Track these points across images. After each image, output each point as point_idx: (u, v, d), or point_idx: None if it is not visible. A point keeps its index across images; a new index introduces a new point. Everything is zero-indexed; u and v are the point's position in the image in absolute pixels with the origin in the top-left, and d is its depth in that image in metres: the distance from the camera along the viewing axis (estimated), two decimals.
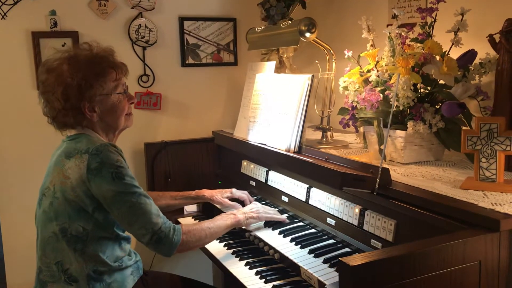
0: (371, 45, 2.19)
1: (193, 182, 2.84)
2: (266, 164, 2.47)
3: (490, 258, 1.34)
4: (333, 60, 2.44)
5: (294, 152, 2.16)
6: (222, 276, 3.09)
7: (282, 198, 2.29)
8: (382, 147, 1.93)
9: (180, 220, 2.62)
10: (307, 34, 2.32)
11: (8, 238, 2.68)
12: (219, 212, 2.31)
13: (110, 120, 1.86)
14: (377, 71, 2.09)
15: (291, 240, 1.98)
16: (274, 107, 2.34)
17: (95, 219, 1.75)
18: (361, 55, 2.23)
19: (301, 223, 2.14)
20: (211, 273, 3.17)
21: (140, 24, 2.79)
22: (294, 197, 2.21)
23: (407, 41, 2.03)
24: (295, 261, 1.82)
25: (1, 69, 2.59)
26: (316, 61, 2.47)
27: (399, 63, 1.90)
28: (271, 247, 2.00)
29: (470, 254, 1.30)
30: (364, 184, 1.71)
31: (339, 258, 1.21)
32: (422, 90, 1.98)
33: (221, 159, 2.97)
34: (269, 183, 2.41)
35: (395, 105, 1.91)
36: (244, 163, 2.66)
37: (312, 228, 2.08)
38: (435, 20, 1.99)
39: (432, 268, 1.26)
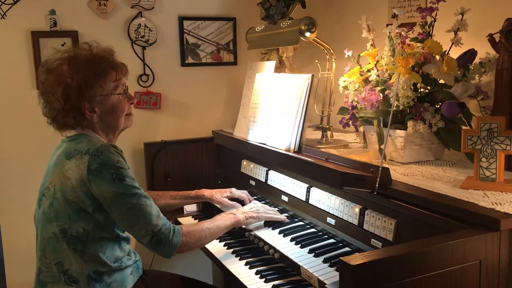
0: (371, 45, 2.19)
1: (193, 182, 2.84)
2: (266, 164, 2.47)
3: (490, 258, 1.34)
4: (333, 60, 2.44)
5: (294, 152, 2.16)
6: (222, 275, 3.09)
7: (282, 198, 2.30)
8: (382, 146, 1.93)
9: (180, 219, 2.62)
10: (307, 34, 2.32)
11: (8, 238, 2.68)
12: (219, 211, 2.31)
13: (110, 120, 1.86)
14: (377, 70, 2.09)
15: (291, 240, 1.98)
16: (274, 106, 2.34)
17: (95, 220, 1.75)
18: (361, 54, 2.23)
19: (301, 223, 2.14)
20: (211, 273, 3.17)
21: (139, 24, 2.79)
22: (294, 196, 2.21)
23: (407, 41, 2.03)
24: (295, 260, 1.82)
25: (1, 68, 2.58)
26: (316, 61, 2.47)
27: (399, 63, 1.90)
28: (271, 247, 2.00)
29: (470, 253, 1.30)
30: (364, 183, 1.71)
31: (340, 258, 1.21)
32: (422, 90, 1.98)
33: (221, 159, 2.97)
34: (269, 182, 2.41)
35: (395, 105, 1.91)
36: (244, 162, 2.66)
37: (312, 227, 2.08)
38: (435, 20, 1.99)
39: (432, 267, 1.26)
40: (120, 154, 1.75)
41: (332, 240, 1.94)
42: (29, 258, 2.18)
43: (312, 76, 2.18)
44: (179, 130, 2.97)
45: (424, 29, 2.02)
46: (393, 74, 1.98)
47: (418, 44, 2.01)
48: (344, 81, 2.24)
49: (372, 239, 1.74)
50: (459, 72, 1.92)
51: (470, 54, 1.97)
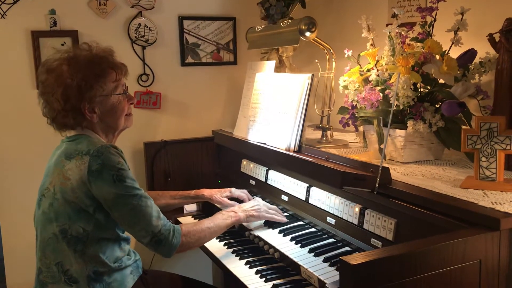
0: (371, 44, 2.20)
1: (193, 182, 2.84)
2: (266, 163, 2.47)
3: (490, 257, 1.34)
4: (333, 59, 2.44)
5: (294, 151, 2.16)
6: (222, 275, 3.09)
7: (282, 197, 2.30)
8: (382, 146, 1.93)
9: (179, 219, 2.62)
10: (307, 33, 2.32)
11: (8, 238, 2.68)
12: (218, 211, 2.30)
13: (110, 121, 1.86)
14: (377, 70, 2.09)
15: (291, 239, 1.99)
16: (274, 106, 2.34)
17: (96, 220, 1.74)
18: (361, 54, 2.23)
19: (301, 222, 2.14)
20: (210, 272, 3.17)
21: (139, 23, 2.79)
22: (294, 196, 2.21)
23: (407, 41, 2.03)
24: (295, 260, 1.82)
25: (1, 68, 2.58)
26: (316, 60, 2.47)
27: (399, 62, 1.90)
28: (271, 246, 2.00)
29: (470, 253, 1.30)
30: (364, 183, 1.71)
31: (340, 257, 1.21)
32: (422, 89, 1.98)
33: (221, 158, 2.97)
34: (269, 182, 2.41)
35: (395, 104, 1.91)
36: (244, 162, 2.66)
37: (312, 227, 2.08)
38: (435, 20, 1.99)
39: (432, 267, 1.26)
40: (120, 155, 1.75)
41: (332, 240, 1.94)
42: (29, 258, 2.18)
43: (312, 75, 2.18)
44: (179, 130, 2.97)
45: (424, 29, 2.02)
46: (393, 73, 1.98)
47: (418, 44, 2.01)
48: (344, 81, 2.25)
49: (372, 239, 1.75)
50: (459, 72, 1.92)
51: (470, 54, 1.97)
